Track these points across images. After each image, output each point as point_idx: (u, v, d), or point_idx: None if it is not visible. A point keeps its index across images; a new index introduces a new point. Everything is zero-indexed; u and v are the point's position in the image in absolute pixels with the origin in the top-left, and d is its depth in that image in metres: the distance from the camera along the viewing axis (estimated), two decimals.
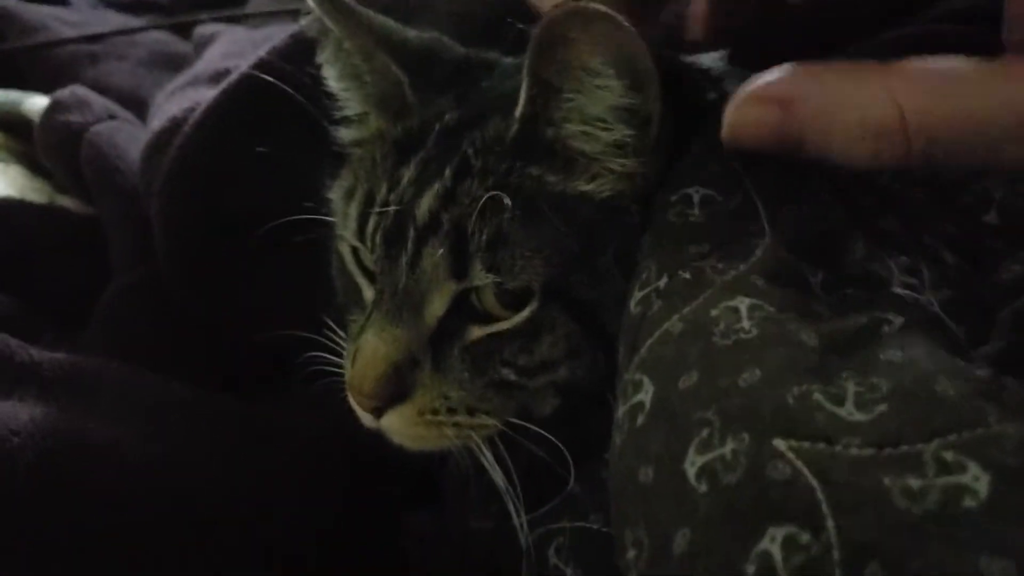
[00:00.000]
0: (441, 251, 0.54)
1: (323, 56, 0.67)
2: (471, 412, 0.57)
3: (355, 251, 0.63)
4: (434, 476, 0.67)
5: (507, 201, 0.53)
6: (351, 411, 0.60)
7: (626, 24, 0.48)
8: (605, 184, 0.55)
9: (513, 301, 0.55)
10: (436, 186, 0.56)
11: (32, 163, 1.04)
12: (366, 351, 0.56)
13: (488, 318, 0.56)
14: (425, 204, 0.55)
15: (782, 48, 0.70)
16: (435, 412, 0.56)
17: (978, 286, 0.52)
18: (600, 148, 0.55)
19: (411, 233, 0.56)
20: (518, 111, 0.54)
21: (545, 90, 0.53)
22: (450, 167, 0.56)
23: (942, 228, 0.54)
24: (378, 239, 0.57)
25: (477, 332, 0.56)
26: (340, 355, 0.64)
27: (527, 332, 0.55)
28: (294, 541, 0.67)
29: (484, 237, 0.53)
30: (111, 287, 0.87)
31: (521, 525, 0.55)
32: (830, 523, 0.31)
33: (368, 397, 0.56)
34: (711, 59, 0.63)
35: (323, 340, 0.66)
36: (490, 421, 0.57)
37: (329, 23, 0.62)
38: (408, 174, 0.58)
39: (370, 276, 0.63)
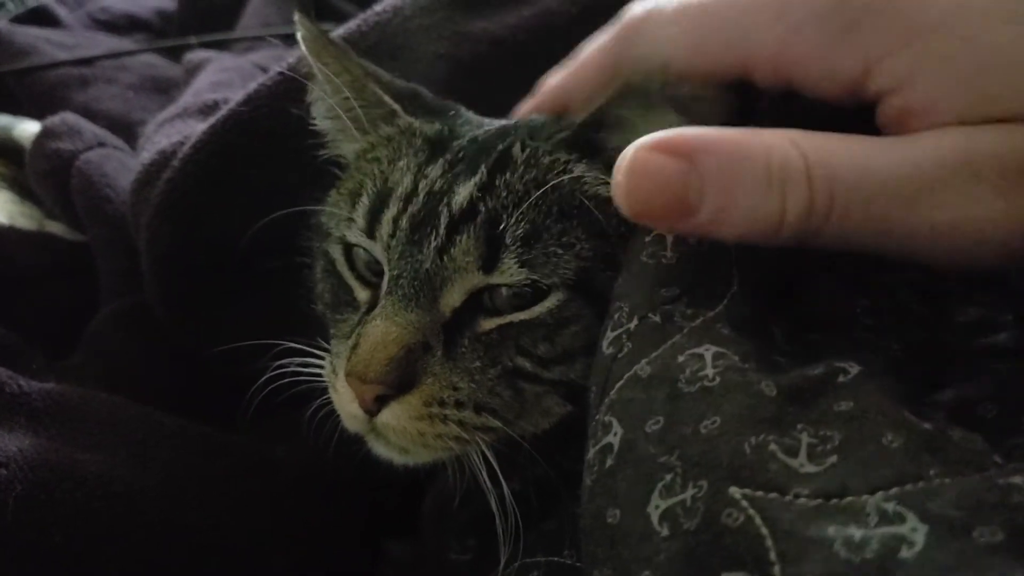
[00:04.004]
0: (475, 239, 0.55)
1: (312, 95, 0.69)
2: (478, 410, 0.56)
3: (347, 254, 0.65)
4: (414, 506, 0.68)
5: (546, 197, 0.55)
6: (336, 429, 0.60)
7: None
8: None
9: (525, 303, 0.56)
10: (475, 178, 0.57)
11: (22, 188, 1.06)
12: (374, 335, 0.55)
13: (499, 313, 0.57)
14: (464, 193, 0.57)
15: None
16: (442, 404, 0.55)
17: (937, 328, 0.55)
18: None
19: (444, 219, 0.56)
20: (593, 110, 0.56)
21: (617, 119, 0.55)
22: (486, 165, 0.58)
23: (903, 270, 0.56)
24: (403, 223, 0.58)
25: (489, 323, 0.57)
26: (318, 375, 0.64)
27: (551, 323, 0.56)
28: (279, 569, 0.68)
29: (520, 232, 0.55)
30: (100, 314, 0.89)
31: (504, 549, 0.55)
32: (777, 570, 0.33)
33: (374, 383, 0.55)
34: None
35: (306, 367, 0.66)
36: (494, 423, 0.57)
37: (320, 61, 0.64)
38: (435, 170, 0.59)
39: (362, 278, 0.64)
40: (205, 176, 0.77)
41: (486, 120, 0.69)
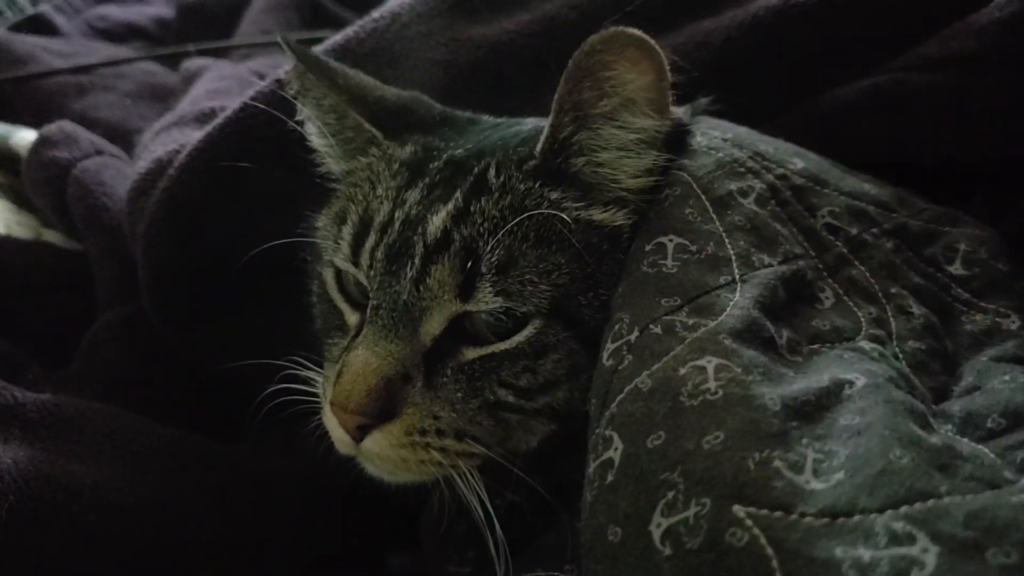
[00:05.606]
0: (450, 269, 0.54)
1: (303, 114, 0.68)
2: (459, 437, 0.56)
3: (338, 276, 0.64)
4: (415, 517, 0.68)
5: (523, 224, 0.54)
6: (331, 447, 0.59)
7: (658, 48, 0.49)
8: (618, 214, 0.56)
9: (504, 330, 0.55)
10: (449, 205, 0.56)
11: (19, 197, 1.05)
12: (356, 365, 0.55)
13: (481, 341, 0.56)
14: (437, 221, 0.56)
15: (772, 91, 0.72)
16: (423, 433, 0.55)
17: (943, 336, 0.54)
18: (626, 174, 0.56)
19: (419, 249, 0.56)
20: (543, 139, 0.55)
21: (577, 118, 0.53)
22: (461, 189, 0.57)
23: (909, 278, 0.56)
24: (379, 255, 0.57)
25: (471, 353, 0.56)
26: (315, 394, 0.64)
27: (530, 352, 0.55)
28: None
29: (495, 259, 0.54)
30: (97, 323, 0.88)
31: (498, 564, 0.55)
32: None
33: (355, 413, 0.54)
34: (681, 110, 0.64)
35: (303, 380, 0.66)
36: (477, 449, 0.56)
37: (304, 84, 0.65)
38: (413, 195, 0.58)
39: (352, 302, 0.63)
40: (201, 185, 0.76)
41: (486, 119, 0.68)
